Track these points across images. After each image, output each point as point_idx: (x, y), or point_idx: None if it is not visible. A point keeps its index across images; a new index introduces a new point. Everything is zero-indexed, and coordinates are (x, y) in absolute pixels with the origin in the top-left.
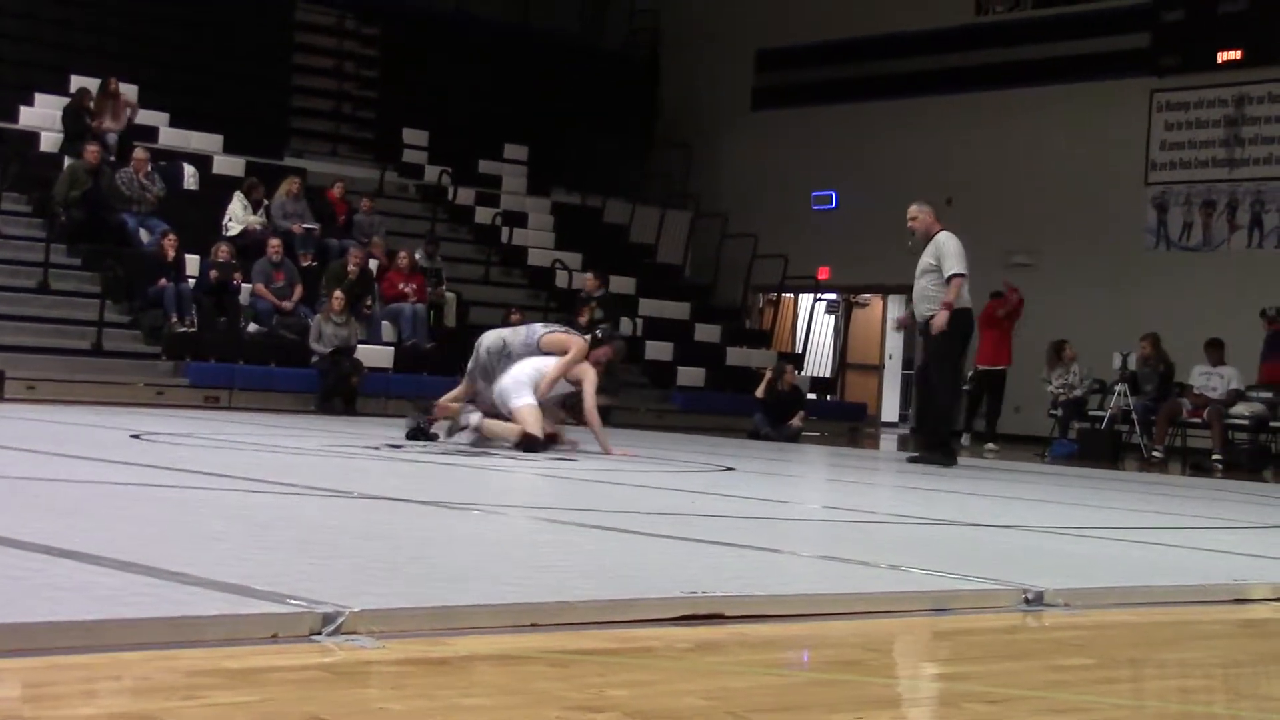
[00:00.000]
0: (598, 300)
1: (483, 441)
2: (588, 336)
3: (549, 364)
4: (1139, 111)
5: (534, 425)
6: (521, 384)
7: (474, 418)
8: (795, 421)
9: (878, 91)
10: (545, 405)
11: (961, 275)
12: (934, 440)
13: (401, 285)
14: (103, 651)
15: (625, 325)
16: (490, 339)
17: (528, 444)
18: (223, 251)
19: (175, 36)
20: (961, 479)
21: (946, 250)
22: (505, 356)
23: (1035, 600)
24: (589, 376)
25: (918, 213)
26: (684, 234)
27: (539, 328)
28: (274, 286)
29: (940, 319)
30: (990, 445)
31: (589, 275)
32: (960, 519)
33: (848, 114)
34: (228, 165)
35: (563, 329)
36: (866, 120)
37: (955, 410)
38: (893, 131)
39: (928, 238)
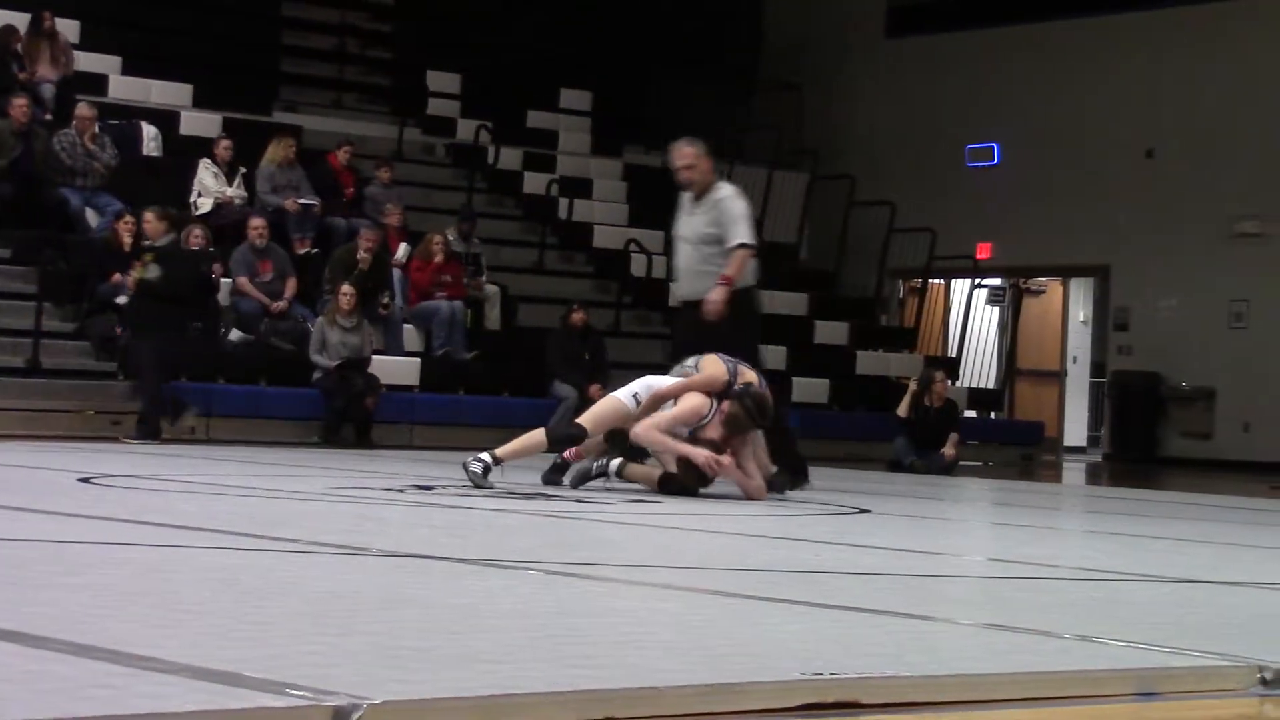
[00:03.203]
0: (156, 252)
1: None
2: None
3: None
4: None
5: (691, 457)
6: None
7: (614, 463)
8: (949, 448)
9: (1055, 7)
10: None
11: (750, 246)
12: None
13: (434, 277)
14: None
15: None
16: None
17: (664, 485)
18: (196, 236)
19: None
20: (1164, 520)
21: (733, 213)
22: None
23: (1275, 681)
24: (691, 404)
25: (696, 158)
26: (798, 203)
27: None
28: (259, 281)
29: (717, 298)
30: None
31: (149, 213)
32: (1169, 573)
33: (1015, 39)
34: (200, 124)
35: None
36: (1040, 47)
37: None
38: (1075, 61)
39: (704, 191)
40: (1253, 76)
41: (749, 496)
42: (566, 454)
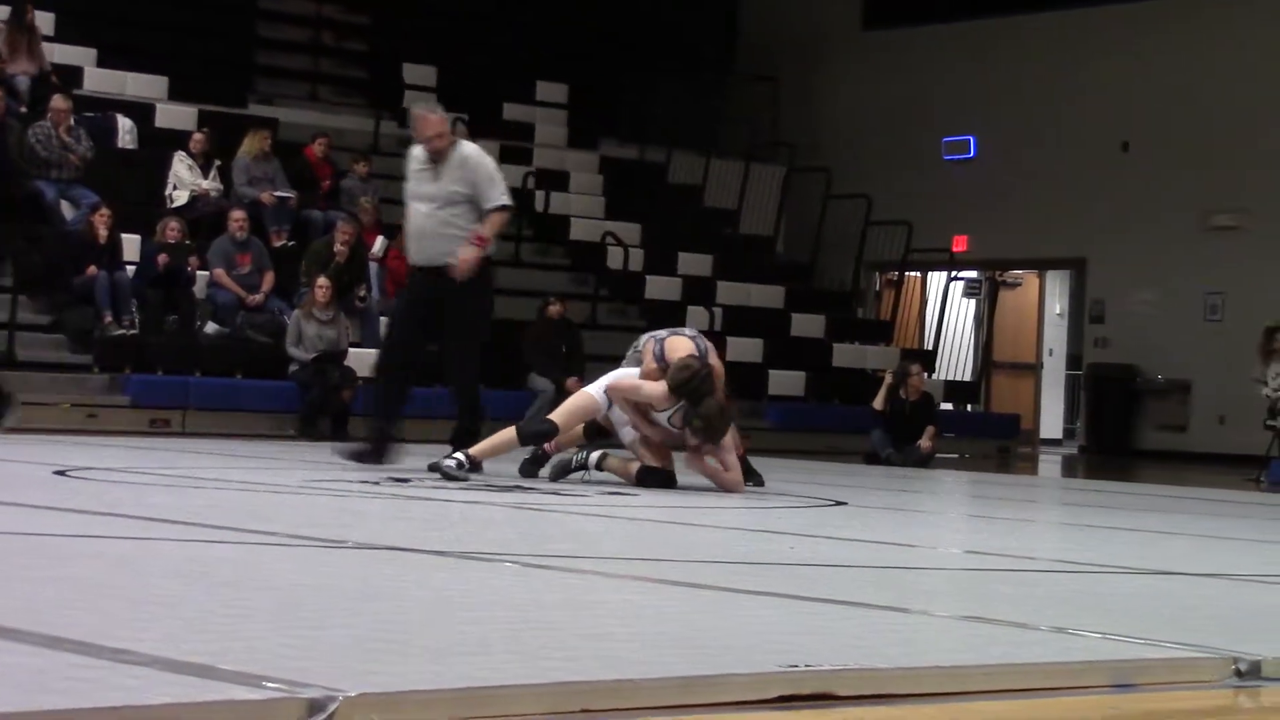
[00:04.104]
0: None
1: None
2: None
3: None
4: None
5: (648, 454)
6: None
7: (593, 455)
8: (925, 441)
9: (1032, 1)
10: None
11: (510, 208)
12: (463, 430)
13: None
14: None
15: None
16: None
17: (641, 478)
18: (172, 229)
19: None
20: (1140, 513)
21: (487, 173)
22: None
23: (1250, 672)
24: (651, 390)
25: (444, 124)
26: (775, 196)
27: (656, 336)
28: (237, 273)
29: (470, 256)
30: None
31: None
32: (1146, 565)
33: (991, 32)
34: (175, 116)
35: (668, 334)
36: (1016, 40)
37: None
38: (1051, 54)
39: (446, 153)
40: (1229, 69)
41: (725, 489)
42: (546, 445)
